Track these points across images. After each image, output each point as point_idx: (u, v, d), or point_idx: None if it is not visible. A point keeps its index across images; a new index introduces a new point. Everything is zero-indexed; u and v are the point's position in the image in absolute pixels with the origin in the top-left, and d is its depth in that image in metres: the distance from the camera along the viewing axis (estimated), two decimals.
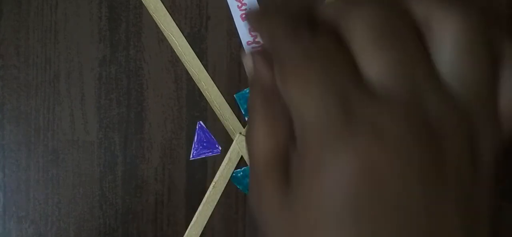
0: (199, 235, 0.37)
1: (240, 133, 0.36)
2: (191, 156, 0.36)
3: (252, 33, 0.36)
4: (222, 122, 0.36)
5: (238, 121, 0.36)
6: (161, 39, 0.36)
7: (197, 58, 0.36)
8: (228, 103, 0.36)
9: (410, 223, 0.20)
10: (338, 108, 0.20)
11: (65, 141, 0.36)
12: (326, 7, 0.23)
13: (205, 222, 0.37)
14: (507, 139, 0.24)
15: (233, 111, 0.36)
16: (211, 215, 0.37)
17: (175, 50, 0.36)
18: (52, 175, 0.37)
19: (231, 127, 0.36)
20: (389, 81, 0.21)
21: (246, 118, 0.36)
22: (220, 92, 0.36)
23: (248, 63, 0.24)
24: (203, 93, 0.36)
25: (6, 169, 0.36)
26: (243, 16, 0.36)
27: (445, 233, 0.21)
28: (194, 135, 0.36)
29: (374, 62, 0.21)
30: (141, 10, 0.36)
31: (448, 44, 0.22)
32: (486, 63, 0.23)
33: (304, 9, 0.24)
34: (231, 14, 0.36)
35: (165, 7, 0.36)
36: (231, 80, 0.36)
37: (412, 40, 0.22)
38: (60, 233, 0.37)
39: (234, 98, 0.36)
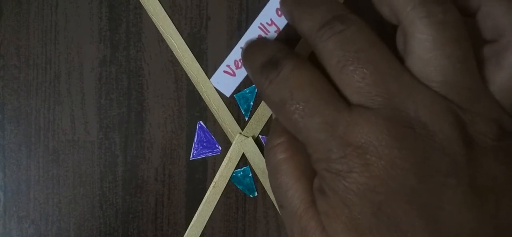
0: (199, 235, 0.37)
1: (240, 133, 0.36)
2: (191, 156, 0.36)
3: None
4: (221, 125, 0.36)
5: (236, 124, 0.36)
6: (161, 40, 0.36)
7: (196, 61, 0.36)
8: (228, 103, 0.36)
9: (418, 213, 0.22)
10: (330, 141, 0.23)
11: (66, 141, 0.37)
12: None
13: (205, 222, 0.37)
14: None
15: (232, 113, 0.36)
16: (211, 215, 0.37)
17: (174, 53, 0.36)
18: (52, 175, 0.37)
19: (229, 130, 0.36)
20: (367, 103, 0.23)
21: (246, 118, 0.36)
22: (220, 94, 0.36)
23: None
24: (201, 95, 0.36)
25: (7, 169, 0.37)
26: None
27: (450, 209, 0.22)
28: (194, 135, 0.36)
29: (351, 90, 0.23)
30: (141, 10, 0.36)
31: (418, 42, 0.23)
32: (459, 50, 0.23)
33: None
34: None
35: (165, 8, 0.36)
36: None
37: (382, 55, 0.23)
38: (61, 233, 0.37)
39: (234, 98, 0.36)
